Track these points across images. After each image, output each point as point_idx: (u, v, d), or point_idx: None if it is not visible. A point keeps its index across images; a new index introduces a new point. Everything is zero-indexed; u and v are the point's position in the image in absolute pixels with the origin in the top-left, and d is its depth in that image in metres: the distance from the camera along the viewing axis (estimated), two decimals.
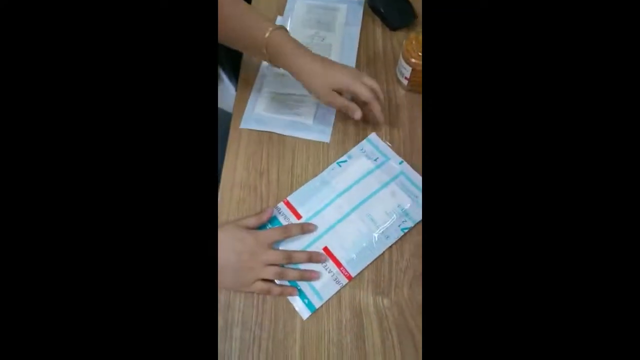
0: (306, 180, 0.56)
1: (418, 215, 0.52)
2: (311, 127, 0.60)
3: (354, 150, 0.58)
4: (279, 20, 0.70)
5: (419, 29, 0.68)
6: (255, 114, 0.61)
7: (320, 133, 0.59)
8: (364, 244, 0.51)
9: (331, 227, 0.52)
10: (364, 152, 0.58)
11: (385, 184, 0.55)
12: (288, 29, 0.70)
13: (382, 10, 0.68)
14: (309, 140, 0.59)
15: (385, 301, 0.48)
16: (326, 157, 0.58)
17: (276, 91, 0.63)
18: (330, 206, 0.54)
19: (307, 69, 0.54)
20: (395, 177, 0.55)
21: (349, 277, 0.49)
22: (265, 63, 0.65)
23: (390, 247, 0.51)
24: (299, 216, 0.53)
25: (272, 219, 0.53)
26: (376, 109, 0.56)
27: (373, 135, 0.59)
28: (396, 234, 0.52)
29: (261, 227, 0.52)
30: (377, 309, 0.48)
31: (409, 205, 0.53)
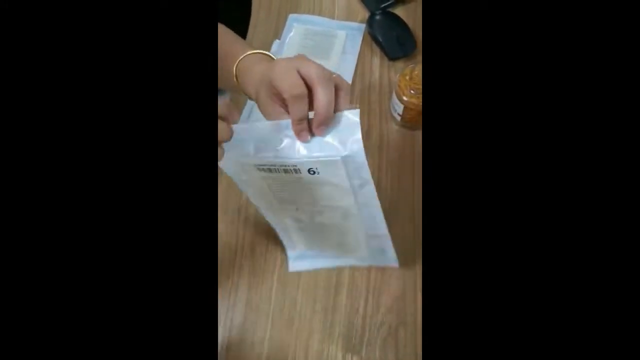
0: None
1: None
2: None
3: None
4: (275, 44, 0.68)
5: (419, 58, 0.65)
6: None
7: None
8: None
9: None
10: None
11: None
12: (283, 54, 0.68)
13: (381, 39, 0.65)
14: None
15: (355, 359, 0.45)
16: None
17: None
18: None
19: (254, 85, 0.40)
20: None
21: None
22: None
23: (366, 298, 0.48)
24: None
25: None
26: (291, 112, 0.36)
27: None
28: None
29: None
30: None
31: None
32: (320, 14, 0.70)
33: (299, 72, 0.36)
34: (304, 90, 0.36)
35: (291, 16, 0.70)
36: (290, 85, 0.36)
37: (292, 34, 0.69)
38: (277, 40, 0.68)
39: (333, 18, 0.70)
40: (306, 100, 0.36)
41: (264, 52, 0.44)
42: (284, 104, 0.38)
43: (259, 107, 0.40)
